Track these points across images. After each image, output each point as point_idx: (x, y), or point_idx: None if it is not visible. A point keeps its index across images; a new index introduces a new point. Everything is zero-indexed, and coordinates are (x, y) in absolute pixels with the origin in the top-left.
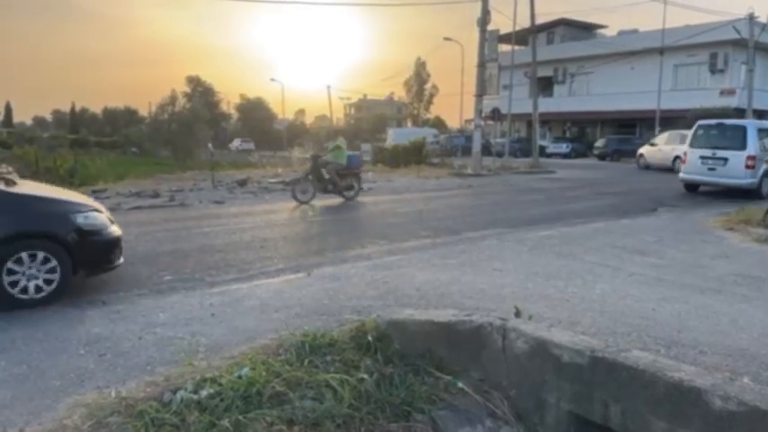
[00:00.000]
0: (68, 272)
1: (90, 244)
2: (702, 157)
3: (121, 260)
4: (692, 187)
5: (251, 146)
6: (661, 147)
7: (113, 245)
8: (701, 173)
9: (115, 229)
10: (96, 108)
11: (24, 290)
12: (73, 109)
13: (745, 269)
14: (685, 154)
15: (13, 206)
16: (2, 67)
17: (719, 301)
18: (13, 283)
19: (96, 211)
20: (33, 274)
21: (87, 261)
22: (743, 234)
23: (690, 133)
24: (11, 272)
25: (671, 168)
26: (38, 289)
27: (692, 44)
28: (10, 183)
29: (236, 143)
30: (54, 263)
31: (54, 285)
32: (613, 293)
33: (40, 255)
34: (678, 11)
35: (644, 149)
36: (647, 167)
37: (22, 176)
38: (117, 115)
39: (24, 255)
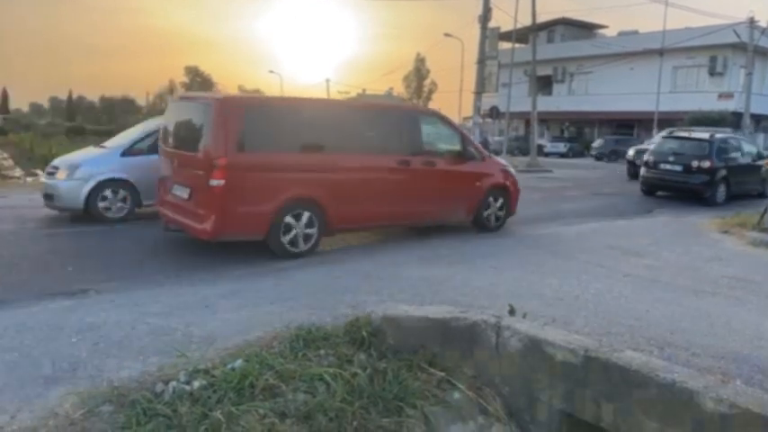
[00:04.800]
0: None
1: None
2: None
3: None
4: None
5: None
6: None
7: None
8: None
9: None
10: (94, 96)
11: None
12: (70, 96)
13: (740, 272)
14: None
15: None
16: None
17: (713, 303)
18: None
19: None
20: None
21: None
22: (738, 237)
23: None
24: None
25: None
26: None
27: (692, 47)
28: None
29: None
30: None
31: None
32: (608, 293)
33: None
34: (678, 13)
35: None
36: None
37: (17, 163)
38: (114, 104)
39: None
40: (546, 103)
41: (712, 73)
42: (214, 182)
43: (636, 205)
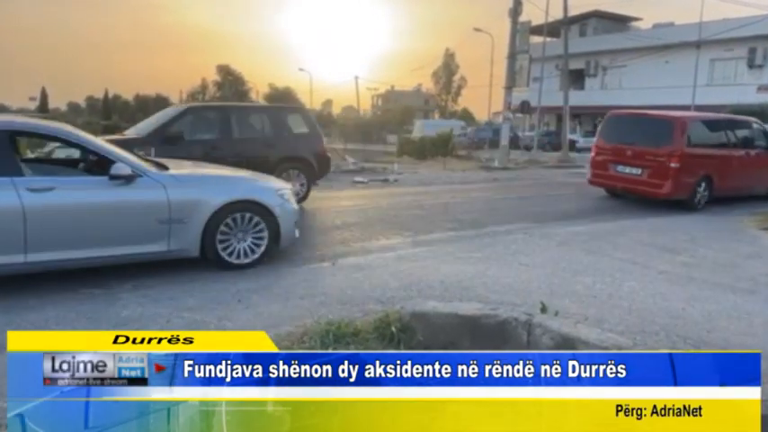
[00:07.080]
0: None
1: None
2: None
3: None
4: None
5: None
6: None
7: None
8: None
9: None
10: (128, 95)
11: None
12: (106, 95)
13: None
14: None
15: None
16: (39, 54)
17: (752, 301)
18: None
19: None
20: None
21: None
22: None
23: None
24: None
25: None
26: None
27: (730, 38)
28: None
29: None
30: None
31: None
32: (642, 291)
33: None
34: (716, 4)
35: None
36: None
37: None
38: (148, 102)
39: None
40: (578, 98)
41: (751, 65)
42: (673, 164)
43: (672, 201)
